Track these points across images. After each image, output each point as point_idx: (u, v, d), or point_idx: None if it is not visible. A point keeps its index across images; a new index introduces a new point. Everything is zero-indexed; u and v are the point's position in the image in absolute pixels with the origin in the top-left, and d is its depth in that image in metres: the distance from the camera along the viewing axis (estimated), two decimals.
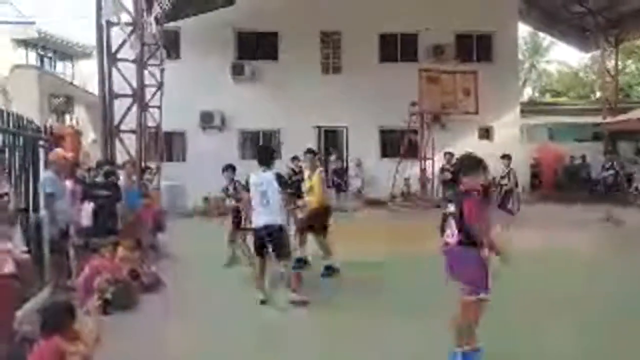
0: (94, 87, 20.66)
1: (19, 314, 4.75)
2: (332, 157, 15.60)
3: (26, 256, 4.41)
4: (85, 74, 24.18)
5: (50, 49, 22.70)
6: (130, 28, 8.96)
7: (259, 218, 5.45)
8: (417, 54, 16.97)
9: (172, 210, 13.45)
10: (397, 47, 17.10)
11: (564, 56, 46.29)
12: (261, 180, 5.47)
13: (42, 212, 5.77)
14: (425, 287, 5.62)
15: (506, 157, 10.57)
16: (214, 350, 4.32)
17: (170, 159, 15.77)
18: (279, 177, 5.48)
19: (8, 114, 5.15)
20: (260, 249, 5.52)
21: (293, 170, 9.56)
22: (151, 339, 4.51)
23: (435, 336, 4.06)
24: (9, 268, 3.56)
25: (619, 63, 20.15)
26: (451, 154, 11.42)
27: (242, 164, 15.92)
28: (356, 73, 16.33)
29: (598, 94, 28.24)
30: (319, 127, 16.78)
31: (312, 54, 16.72)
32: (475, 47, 17.15)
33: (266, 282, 5.73)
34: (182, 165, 15.96)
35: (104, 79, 8.31)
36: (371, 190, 15.88)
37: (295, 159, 9.68)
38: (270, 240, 5.40)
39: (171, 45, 15.62)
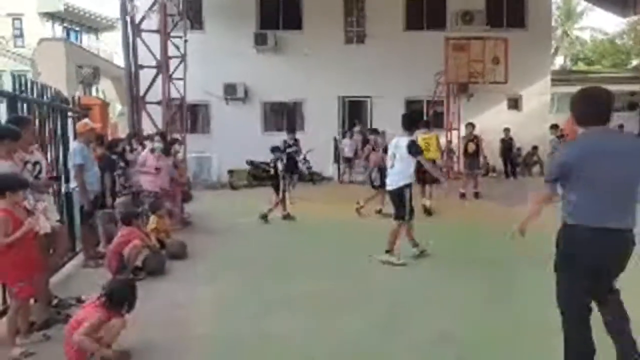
0: (118, 60, 20.85)
1: (54, 278, 4.95)
2: (356, 128, 15.45)
3: (60, 225, 4.54)
4: (110, 46, 24.36)
5: (75, 21, 22.86)
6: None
7: (388, 179, 5.96)
8: (444, 21, 16.43)
9: (196, 182, 13.67)
10: (423, 14, 16.56)
11: (598, 23, 44.13)
12: (396, 144, 5.85)
13: (72, 183, 5.89)
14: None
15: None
16: (238, 312, 4.43)
17: (194, 131, 15.88)
18: (411, 144, 5.73)
19: (40, 86, 5.21)
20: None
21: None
22: (179, 302, 4.63)
23: None
24: (45, 228, 3.67)
25: None
26: (473, 125, 11.16)
27: (265, 136, 16.24)
28: (381, 42, 15.95)
29: (634, 62, 27.02)
30: (342, 98, 16.58)
31: (336, 23, 16.38)
32: (507, 13, 16.47)
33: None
34: (205, 137, 16.06)
35: (129, 50, 8.31)
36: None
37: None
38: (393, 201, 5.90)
39: (194, 16, 15.53)
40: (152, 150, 7.15)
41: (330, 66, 15.81)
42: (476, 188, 10.97)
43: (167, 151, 7.28)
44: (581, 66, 29.31)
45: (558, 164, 2.91)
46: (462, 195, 10.77)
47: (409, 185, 5.75)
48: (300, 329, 4.07)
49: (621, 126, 17.09)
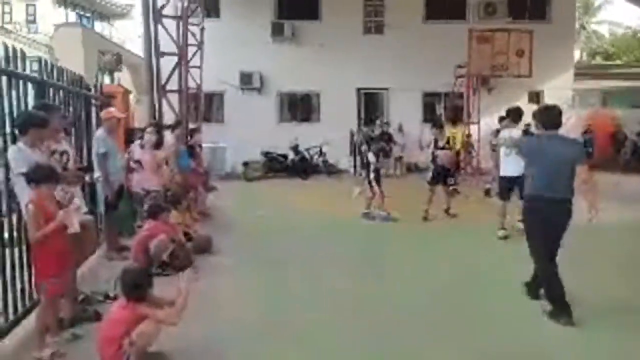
0: (132, 47, 20.64)
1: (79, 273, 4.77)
2: (378, 122, 15.16)
3: (89, 217, 4.35)
4: (122, 34, 24.14)
5: (88, 8, 22.66)
6: None
7: (507, 168, 6.47)
8: (465, 13, 16.06)
9: (210, 173, 13.48)
10: (444, 5, 16.18)
11: (616, 16, 43.34)
12: (510, 136, 6.46)
13: (96, 172, 5.70)
14: None
15: None
16: (265, 305, 4.33)
17: (208, 120, 15.67)
18: (525, 133, 6.70)
19: (65, 71, 5.00)
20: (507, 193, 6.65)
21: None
22: (208, 297, 4.45)
23: None
24: (75, 227, 3.47)
25: None
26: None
27: (280, 127, 16.04)
28: (400, 33, 15.62)
29: None
30: (359, 90, 16.30)
31: (355, 12, 16.05)
32: (530, 4, 16.06)
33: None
34: (220, 127, 15.84)
35: (150, 36, 8.09)
36: (412, 156, 15.44)
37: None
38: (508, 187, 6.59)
39: (211, 4, 15.25)
40: (142, 146, 6.10)
41: (347, 57, 15.51)
42: None
43: (158, 145, 6.20)
44: (599, 61, 28.73)
45: (527, 147, 4.52)
46: (487, 192, 10.51)
47: None
48: (328, 326, 3.95)
49: None
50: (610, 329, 3.85)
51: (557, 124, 4.18)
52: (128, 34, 23.05)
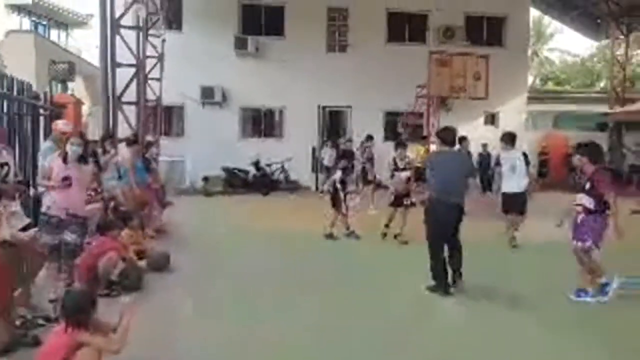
0: (89, 57, 20.05)
1: (17, 294, 4.45)
2: (342, 140, 15.22)
3: (32, 232, 4.06)
4: (80, 43, 23.45)
5: (44, 15, 21.89)
6: None
7: (508, 185, 7.32)
8: (425, 35, 16.52)
9: (169, 187, 13.12)
10: (405, 27, 16.63)
11: (566, 45, 45.82)
12: (511, 156, 7.33)
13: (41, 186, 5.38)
14: None
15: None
16: (224, 331, 4.11)
17: (167, 134, 15.32)
18: (525, 156, 7.45)
19: (11, 79, 4.73)
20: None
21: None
22: (160, 323, 4.22)
23: None
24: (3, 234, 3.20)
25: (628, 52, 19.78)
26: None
27: (242, 142, 15.86)
28: (363, 53, 15.89)
29: (602, 84, 27.98)
30: (322, 107, 16.38)
31: (319, 31, 16.21)
32: (486, 30, 16.73)
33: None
34: (179, 141, 15.52)
35: (106, 46, 7.84)
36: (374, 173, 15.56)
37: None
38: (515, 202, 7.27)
39: (173, 16, 15.04)
40: (65, 157, 4.67)
41: (311, 74, 15.60)
42: None
43: (85, 158, 4.80)
44: (551, 86, 30.15)
45: (432, 158, 5.58)
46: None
47: None
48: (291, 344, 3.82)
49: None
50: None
51: (453, 142, 5.36)
52: (86, 43, 22.41)
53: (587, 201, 4.83)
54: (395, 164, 7.79)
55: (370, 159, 11.82)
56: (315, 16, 16.06)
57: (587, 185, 4.85)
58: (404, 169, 7.77)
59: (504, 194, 7.45)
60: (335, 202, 7.77)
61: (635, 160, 17.61)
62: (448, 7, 16.03)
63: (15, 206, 4.14)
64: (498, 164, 9.91)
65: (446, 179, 4.99)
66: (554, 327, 4.36)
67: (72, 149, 4.63)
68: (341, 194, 7.73)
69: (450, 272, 5.09)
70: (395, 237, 7.66)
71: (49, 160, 4.77)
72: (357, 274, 5.92)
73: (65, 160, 4.64)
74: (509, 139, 7.45)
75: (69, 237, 4.59)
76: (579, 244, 4.85)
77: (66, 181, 4.57)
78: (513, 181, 7.27)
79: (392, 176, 7.80)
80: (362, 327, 4.29)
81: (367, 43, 15.95)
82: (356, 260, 6.73)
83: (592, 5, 18.48)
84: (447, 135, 5.30)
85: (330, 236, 7.71)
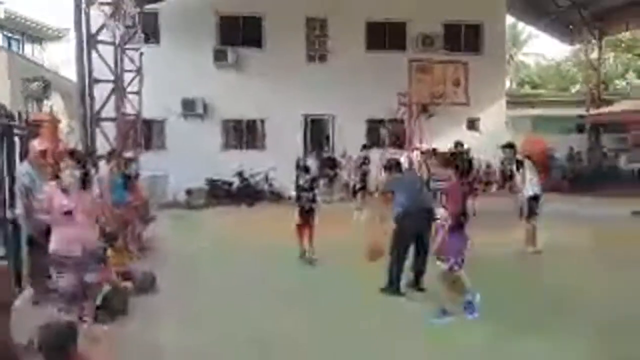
0: (66, 73, 19.68)
1: None
2: (325, 148, 15.26)
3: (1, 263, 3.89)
4: (56, 58, 23.03)
5: (18, 30, 21.44)
6: (107, 8, 8.37)
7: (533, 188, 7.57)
8: (404, 43, 16.66)
9: (152, 202, 12.90)
10: (384, 36, 16.73)
11: (541, 49, 46.85)
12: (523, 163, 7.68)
13: (17, 209, 5.21)
14: None
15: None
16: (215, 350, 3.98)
17: (148, 148, 15.09)
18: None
19: None
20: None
21: None
22: (146, 350, 4.07)
23: None
24: None
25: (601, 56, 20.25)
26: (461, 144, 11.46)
27: (224, 154, 15.71)
28: (343, 62, 15.93)
29: (577, 87, 28.59)
30: (305, 116, 16.36)
31: (298, 41, 16.22)
32: (464, 38, 16.95)
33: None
34: (161, 155, 15.30)
35: (83, 62, 7.68)
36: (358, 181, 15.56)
37: None
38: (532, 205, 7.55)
39: (150, 29, 14.87)
40: (64, 189, 4.08)
41: (292, 84, 15.58)
42: None
43: (85, 181, 4.21)
44: (527, 90, 30.68)
45: (394, 182, 5.88)
46: None
47: None
48: None
49: (571, 148, 17.95)
50: None
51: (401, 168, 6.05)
52: (63, 58, 22.00)
53: None
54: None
55: (365, 174, 11.56)
56: (294, 26, 16.07)
57: None
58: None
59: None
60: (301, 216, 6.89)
61: (612, 161, 17.99)
62: (426, 16, 16.21)
63: None
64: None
65: (413, 195, 5.52)
66: None
67: (68, 173, 3.96)
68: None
69: (412, 274, 5.59)
70: None
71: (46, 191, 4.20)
72: (345, 288, 5.85)
73: (65, 189, 4.03)
74: (509, 147, 8.05)
75: (90, 277, 4.08)
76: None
77: (69, 215, 3.98)
78: (533, 185, 7.57)
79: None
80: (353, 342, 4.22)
81: (347, 52, 16.00)
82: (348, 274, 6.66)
83: (565, 12, 18.91)
84: (396, 163, 6.04)
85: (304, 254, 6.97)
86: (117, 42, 7.92)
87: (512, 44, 33.30)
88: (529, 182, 7.49)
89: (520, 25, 30.27)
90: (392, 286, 5.45)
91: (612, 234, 8.81)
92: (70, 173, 4.00)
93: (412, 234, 5.45)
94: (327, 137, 16.48)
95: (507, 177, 12.17)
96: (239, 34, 16.16)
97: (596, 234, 8.81)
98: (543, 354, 3.97)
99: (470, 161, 14.87)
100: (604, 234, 8.77)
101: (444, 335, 4.36)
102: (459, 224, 4.74)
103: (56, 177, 4.20)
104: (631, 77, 29.35)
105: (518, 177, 7.57)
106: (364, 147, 12.27)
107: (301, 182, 6.95)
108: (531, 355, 3.97)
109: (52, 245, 4.07)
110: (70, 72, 21.08)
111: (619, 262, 6.85)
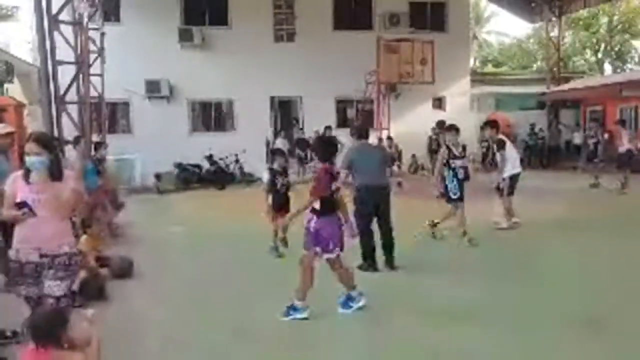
0: (21, 53, 18.78)
1: None
2: (296, 128, 15.22)
3: None
4: (7, 37, 21.90)
5: None
6: None
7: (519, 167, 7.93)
8: (372, 22, 16.68)
9: (120, 187, 12.64)
10: (351, 15, 16.70)
11: (503, 27, 47.69)
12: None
13: None
14: None
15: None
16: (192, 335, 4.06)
17: (112, 131, 14.70)
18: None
19: None
20: None
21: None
22: (126, 333, 4.09)
23: None
24: None
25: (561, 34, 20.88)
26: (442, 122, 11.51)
27: (193, 137, 15.48)
28: (310, 41, 15.84)
29: (538, 64, 29.38)
30: (273, 97, 16.25)
31: (265, 20, 15.99)
32: (430, 16, 17.10)
33: None
34: (126, 138, 14.97)
35: (45, 45, 7.39)
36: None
37: None
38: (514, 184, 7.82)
39: (110, 7, 14.33)
40: (27, 174, 3.29)
41: (260, 64, 15.41)
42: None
43: (58, 172, 3.35)
44: (490, 68, 31.32)
45: (348, 159, 5.71)
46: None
47: None
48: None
49: (532, 125, 18.57)
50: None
51: (367, 135, 5.95)
52: (15, 38, 20.92)
53: None
54: None
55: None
56: (260, 5, 15.82)
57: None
58: None
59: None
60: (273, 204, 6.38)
61: (569, 136, 18.76)
62: None
63: None
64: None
65: (369, 169, 5.57)
66: None
67: (31, 160, 3.22)
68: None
69: (384, 254, 5.67)
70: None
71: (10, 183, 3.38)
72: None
73: (27, 178, 3.28)
74: (490, 124, 7.99)
75: (52, 289, 3.20)
76: None
77: (24, 208, 3.18)
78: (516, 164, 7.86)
79: None
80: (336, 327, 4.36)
81: (314, 31, 15.91)
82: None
83: None
84: (361, 131, 5.94)
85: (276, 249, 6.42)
86: (84, 21, 7.60)
87: (474, 22, 33.81)
88: (514, 161, 7.65)
89: (483, 3, 30.69)
90: (366, 262, 5.56)
91: (574, 205, 9.66)
92: (35, 160, 3.26)
93: (370, 206, 5.58)
94: (296, 118, 16.45)
95: (484, 157, 12.33)
96: (204, 12, 15.79)
97: (563, 206, 9.70)
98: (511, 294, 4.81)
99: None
100: (568, 206, 9.68)
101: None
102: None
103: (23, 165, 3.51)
104: (588, 55, 30.42)
105: (498, 156, 7.56)
106: (328, 128, 12.33)
107: (275, 166, 6.49)
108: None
109: (12, 251, 3.33)
110: (22, 53, 20.14)
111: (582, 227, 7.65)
